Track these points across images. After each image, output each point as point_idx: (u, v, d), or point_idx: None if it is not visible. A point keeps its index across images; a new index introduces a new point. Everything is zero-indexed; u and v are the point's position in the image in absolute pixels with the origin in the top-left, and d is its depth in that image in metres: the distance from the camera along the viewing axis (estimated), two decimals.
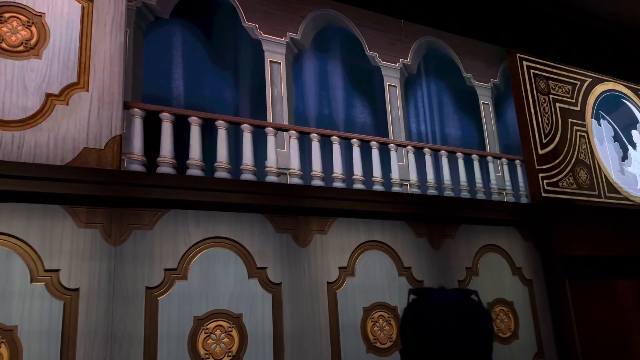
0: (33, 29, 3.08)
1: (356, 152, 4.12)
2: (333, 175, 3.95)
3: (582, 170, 5.32)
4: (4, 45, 2.97)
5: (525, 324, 4.35)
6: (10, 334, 2.61)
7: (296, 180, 3.78)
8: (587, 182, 5.32)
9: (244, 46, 4.64)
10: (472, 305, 1.18)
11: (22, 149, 2.87)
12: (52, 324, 2.71)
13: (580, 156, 5.39)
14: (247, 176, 3.58)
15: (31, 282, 2.73)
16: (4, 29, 3.00)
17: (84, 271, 2.86)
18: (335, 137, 4.05)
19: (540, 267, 4.63)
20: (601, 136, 5.74)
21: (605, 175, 5.52)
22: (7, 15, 3.03)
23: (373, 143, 4.22)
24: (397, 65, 4.95)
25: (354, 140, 4.14)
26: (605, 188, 5.45)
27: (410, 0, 5.00)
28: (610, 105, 5.99)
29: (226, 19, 4.66)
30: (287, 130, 3.94)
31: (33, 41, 3.06)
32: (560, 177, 5.10)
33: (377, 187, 4.09)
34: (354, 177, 4.05)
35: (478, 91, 5.45)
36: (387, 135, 4.70)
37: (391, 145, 4.33)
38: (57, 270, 2.80)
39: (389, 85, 4.93)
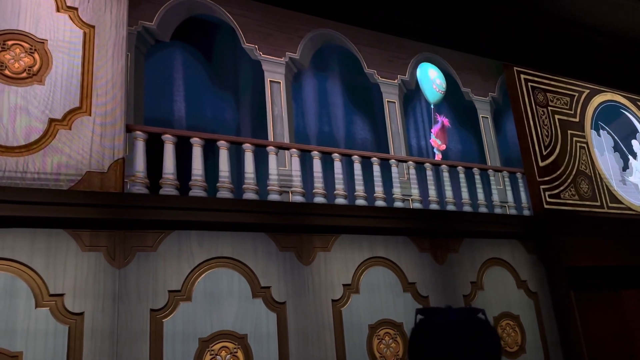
0: (36, 55, 3.12)
1: (357, 168, 4.13)
2: (335, 192, 3.96)
3: (583, 181, 5.33)
4: (7, 72, 3.01)
5: (532, 338, 4.32)
6: None
7: (298, 198, 3.79)
8: (589, 193, 5.32)
9: (244, 67, 4.69)
10: (479, 324, 1.19)
11: (26, 174, 2.89)
12: (57, 348, 2.70)
13: (581, 167, 5.40)
14: (250, 195, 3.59)
15: (36, 307, 2.73)
16: (7, 56, 3.04)
17: (88, 295, 2.85)
18: (336, 154, 4.07)
19: (545, 280, 4.61)
20: (601, 147, 5.76)
21: (606, 186, 5.53)
22: (10, 42, 3.07)
23: (374, 159, 4.24)
24: (396, 81, 4.99)
25: (355, 157, 4.16)
26: (607, 198, 5.45)
27: (407, 17, 5.06)
28: (609, 116, 6.01)
29: (226, 41, 4.72)
30: (288, 149, 3.96)
31: (36, 68, 3.10)
32: (561, 188, 5.11)
33: (379, 203, 4.10)
34: (355, 193, 4.06)
35: (477, 105, 5.48)
36: (387, 151, 4.72)
37: (392, 161, 4.35)
38: (61, 295, 2.80)
39: (388, 101, 4.97)
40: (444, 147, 5.08)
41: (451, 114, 5.67)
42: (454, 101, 5.64)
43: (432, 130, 5.15)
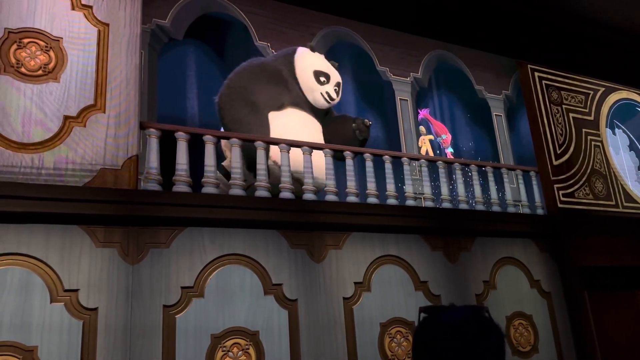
0: (51, 53, 3.16)
1: (369, 166, 4.12)
2: (347, 190, 3.95)
3: (598, 180, 5.27)
4: (23, 70, 3.05)
5: (545, 337, 4.28)
6: (31, 354, 2.64)
7: (310, 196, 3.78)
8: (604, 192, 5.26)
9: None
10: (483, 322, 1.18)
11: (42, 170, 2.92)
12: (71, 343, 2.73)
13: (596, 166, 5.34)
14: (261, 193, 3.60)
15: (51, 302, 2.76)
16: (23, 54, 3.08)
17: (102, 290, 2.88)
18: (348, 152, 4.06)
19: (559, 279, 4.57)
20: (616, 145, 5.69)
21: (622, 185, 5.46)
22: (26, 40, 3.11)
23: (386, 157, 4.22)
24: (408, 79, 4.98)
25: (366, 155, 4.14)
26: (623, 197, 5.39)
27: (420, 14, 5.04)
28: (625, 114, 5.94)
29: (238, 39, 4.73)
30: (300, 146, 3.96)
31: (51, 65, 3.13)
32: (576, 187, 5.06)
33: (391, 201, 4.08)
34: (367, 191, 4.05)
35: (490, 103, 5.45)
36: (399, 149, 4.71)
37: (404, 159, 4.32)
38: (76, 290, 2.83)
39: (400, 99, 4.96)
40: (450, 137, 5.06)
41: (464, 111, 5.64)
42: (467, 99, 5.61)
43: (433, 132, 5.15)
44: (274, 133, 3.95)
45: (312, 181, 3.84)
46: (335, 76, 4.33)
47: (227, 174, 3.85)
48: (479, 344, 1.13)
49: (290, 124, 4.11)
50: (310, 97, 4.25)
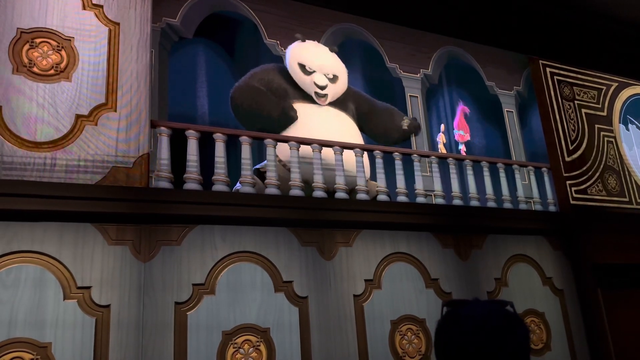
0: (63, 52, 3.18)
1: (379, 163, 4.11)
2: (357, 187, 3.94)
3: (611, 177, 5.21)
4: (35, 69, 3.08)
5: (557, 335, 4.25)
6: (45, 350, 2.67)
7: (320, 194, 3.78)
8: (617, 189, 5.20)
9: (266, 63, 4.69)
10: (508, 316, 1.17)
11: (54, 169, 2.95)
12: (84, 340, 2.76)
13: (609, 162, 5.28)
14: (272, 190, 3.61)
15: (64, 299, 2.79)
16: (35, 53, 3.11)
17: (114, 288, 2.91)
18: (358, 150, 4.05)
19: (571, 277, 4.53)
20: (630, 141, 5.62)
21: (635, 181, 5.39)
22: (38, 40, 3.14)
23: (396, 154, 4.21)
24: (418, 75, 4.95)
25: (376, 152, 4.13)
26: (636, 194, 5.32)
27: (430, 11, 5.01)
28: (638, 110, 5.86)
29: (248, 37, 4.74)
30: (310, 144, 3.95)
31: (63, 65, 3.16)
32: (588, 184, 5.00)
33: (402, 198, 4.07)
34: (377, 188, 4.04)
35: (501, 99, 5.40)
36: (410, 146, 4.68)
37: (414, 156, 4.30)
38: (88, 288, 2.85)
39: (410, 95, 4.93)
40: (468, 137, 5.04)
41: (475, 107, 5.60)
42: (478, 95, 5.57)
43: (454, 123, 5.11)
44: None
45: (322, 179, 3.83)
46: (325, 63, 4.17)
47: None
48: (502, 337, 1.12)
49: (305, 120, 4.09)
50: (310, 92, 4.19)
